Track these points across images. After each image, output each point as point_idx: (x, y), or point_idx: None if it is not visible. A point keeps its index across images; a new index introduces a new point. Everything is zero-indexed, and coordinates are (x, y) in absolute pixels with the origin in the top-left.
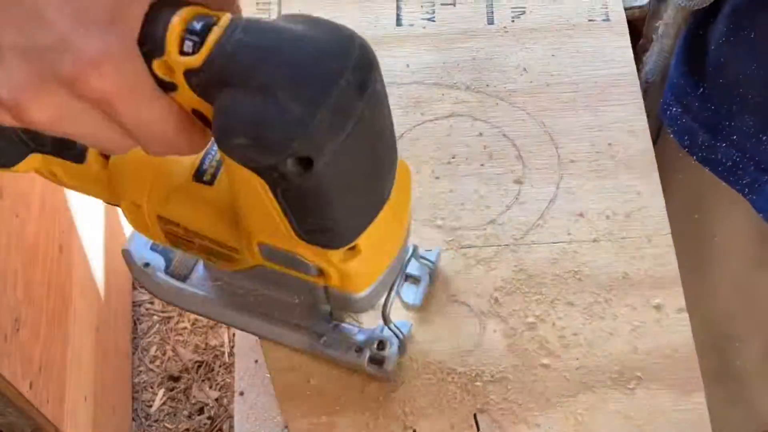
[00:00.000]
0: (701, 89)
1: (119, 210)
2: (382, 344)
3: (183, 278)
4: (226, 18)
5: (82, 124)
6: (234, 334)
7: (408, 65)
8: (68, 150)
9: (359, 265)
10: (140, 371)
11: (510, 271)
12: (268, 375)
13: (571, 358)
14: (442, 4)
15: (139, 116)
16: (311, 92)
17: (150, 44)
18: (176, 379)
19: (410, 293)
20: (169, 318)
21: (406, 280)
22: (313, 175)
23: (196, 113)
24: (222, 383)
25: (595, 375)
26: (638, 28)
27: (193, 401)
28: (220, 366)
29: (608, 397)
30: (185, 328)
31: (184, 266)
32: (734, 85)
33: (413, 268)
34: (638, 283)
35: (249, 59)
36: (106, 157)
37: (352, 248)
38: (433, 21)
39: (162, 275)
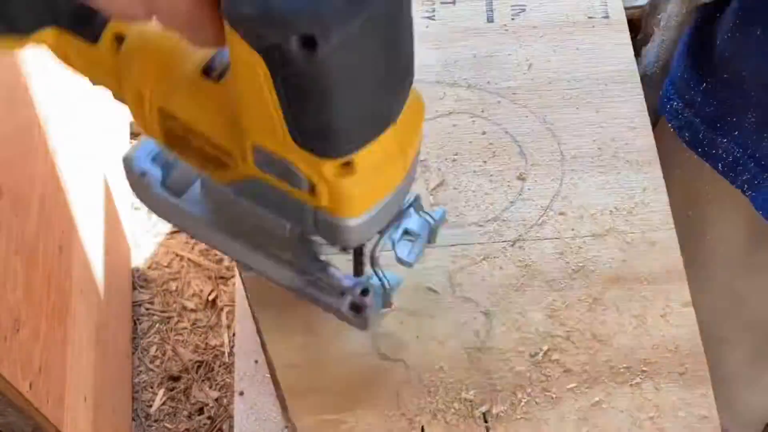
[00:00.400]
0: (705, 84)
1: (118, 207)
2: (366, 291)
3: (178, 194)
4: None
5: None
6: (234, 334)
7: None
8: (85, 26)
9: (352, 185)
10: (140, 371)
11: (515, 267)
12: (268, 375)
13: (577, 353)
14: (442, 3)
15: None
16: None
17: None
18: (176, 379)
19: (405, 248)
20: (169, 318)
21: (403, 234)
22: (316, 60)
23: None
24: (222, 383)
25: (601, 370)
26: (636, 25)
27: (193, 401)
28: (220, 366)
29: (615, 391)
30: (185, 328)
31: (181, 182)
32: (738, 80)
33: (413, 222)
34: (643, 278)
35: None
36: (120, 41)
37: (348, 164)
38: (434, 19)
39: (158, 187)
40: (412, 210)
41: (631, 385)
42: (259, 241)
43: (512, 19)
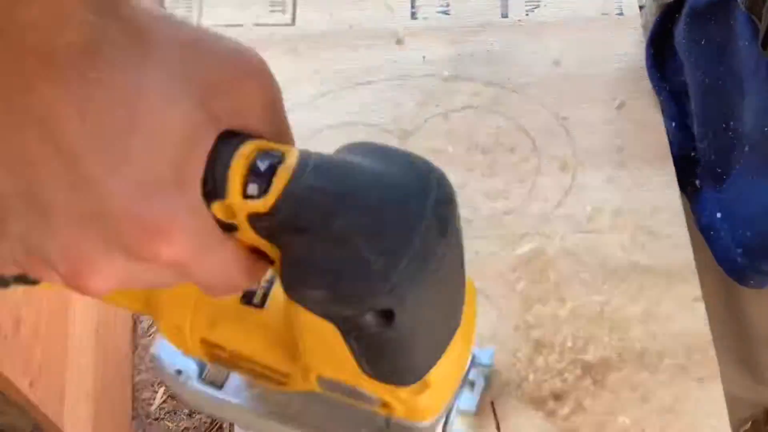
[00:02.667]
0: (666, 86)
1: None
2: None
3: (219, 385)
4: (292, 156)
5: (143, 281)
6: None
7: (423, 58)
8: None
9: (428, 398)
10: (140, 370)
11: (528, 260)
12: None
13: (590, 346)
14: None
15: (206, 266)
16: (392, 241)
17: (210, 186)
18: None
19: (465, 398)
20: None
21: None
22: (393, 327)
23: (255, 249)
24: None
25: (613, 362)
26: None
27: None
28: None
29: (626, 383)
30: None
31: (219, 372)
32: (688, 86)
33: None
34: (654, 272)
35: (322, 205)
36: None
37: (422, 382)
38: (448, 14)
39: (196, 382)
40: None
41: (643, 376)
42: (318, 424)
43: (527, 14)
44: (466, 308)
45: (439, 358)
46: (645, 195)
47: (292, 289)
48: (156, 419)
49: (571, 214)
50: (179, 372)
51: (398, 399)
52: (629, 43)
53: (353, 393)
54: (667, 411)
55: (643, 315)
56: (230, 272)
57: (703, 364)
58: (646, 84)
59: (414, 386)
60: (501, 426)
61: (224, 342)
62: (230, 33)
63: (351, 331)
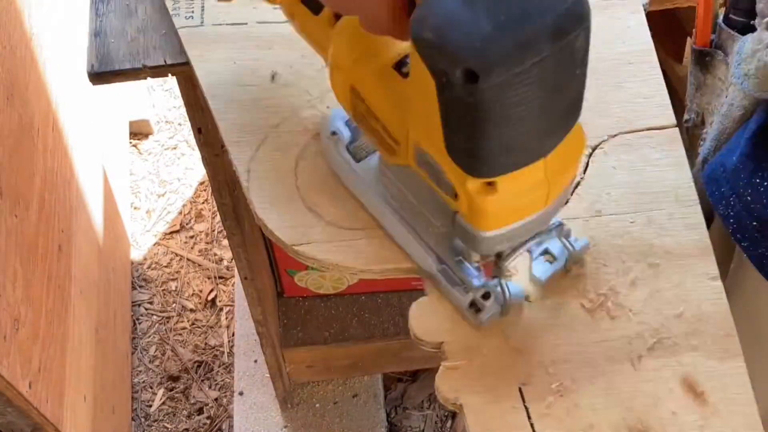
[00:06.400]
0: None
1: (118, 207)
2: (487, 294)
3: (358, 159)
4: None
5: None
6: (233, 334)
7: None
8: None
9: (490, 203)
10: (140, 371)
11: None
12: (268, 375)
13: (610, 328)
14: None
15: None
16: (506, 18)
17: None
18: (175, 379)
19: (540, 267)
20: (169, 318)
21: (543, 254)
22: (474, 92)
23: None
24: (221, 383)
25: (635, 343)
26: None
27: (192, 401)
28: (219, 366)
29: (648, 364)
30: (184, 328)
31: (363, 150)
32: None
33: (554, 245)
34: (670, 253)
35: None
36: (336, 18)
37: (490, 184)
38: None
39: (343, 148)
40: (554, 233)
41: (665, 357)
42: (412, 221)
43: None
44: (565, 150)
45: (509, 168)
46: (657, 176)
47: (413, 29)
48: (155, 421)
49: (585, 197)
50: (334, 133)
51: (465, 191)
52: (632, 28)
53: (436, 173)
54: (689, 389)
55: (661, 294)
56: (380, 11)
57: (725, 342)
58: (651, 67)
59: (482, 184)
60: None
61: (366, 94)
62: (234, 31)
63: (443, 89)
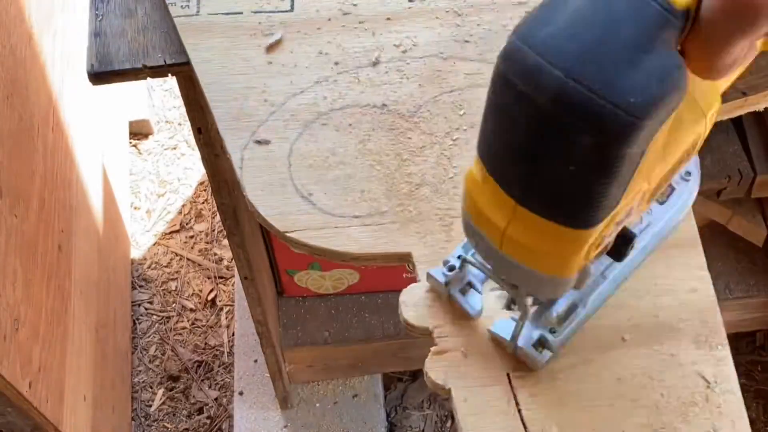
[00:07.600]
0: None
1: (118, 207)
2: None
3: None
4: None
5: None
6: (234, 334)
7: (421, 40)
8: None
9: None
10: (139, 371)
11: None
12: (268, 375)
13: (597, 317)
14: None
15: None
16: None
17: None
18: (175, 379)
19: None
20: (169, 318)
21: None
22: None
23: None
24: (221, 383)
25: (621, 332)
26: None
27: (192, 401)
28: (219, 366)
29: (635, 353)
30: (184, 327)
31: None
32: None
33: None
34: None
35: None
36: None
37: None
38: None
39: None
40: None
41: (651, 347)
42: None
43: None
44: None
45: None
46: None
47: None
48: (155, 420)
49: None
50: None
51: None
52: None
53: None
54: (674, 379)
55: (650, 283)
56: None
57: (710, 332)
58: None
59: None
60: None
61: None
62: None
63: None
